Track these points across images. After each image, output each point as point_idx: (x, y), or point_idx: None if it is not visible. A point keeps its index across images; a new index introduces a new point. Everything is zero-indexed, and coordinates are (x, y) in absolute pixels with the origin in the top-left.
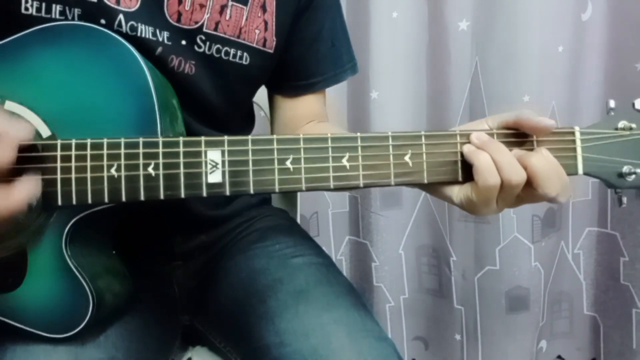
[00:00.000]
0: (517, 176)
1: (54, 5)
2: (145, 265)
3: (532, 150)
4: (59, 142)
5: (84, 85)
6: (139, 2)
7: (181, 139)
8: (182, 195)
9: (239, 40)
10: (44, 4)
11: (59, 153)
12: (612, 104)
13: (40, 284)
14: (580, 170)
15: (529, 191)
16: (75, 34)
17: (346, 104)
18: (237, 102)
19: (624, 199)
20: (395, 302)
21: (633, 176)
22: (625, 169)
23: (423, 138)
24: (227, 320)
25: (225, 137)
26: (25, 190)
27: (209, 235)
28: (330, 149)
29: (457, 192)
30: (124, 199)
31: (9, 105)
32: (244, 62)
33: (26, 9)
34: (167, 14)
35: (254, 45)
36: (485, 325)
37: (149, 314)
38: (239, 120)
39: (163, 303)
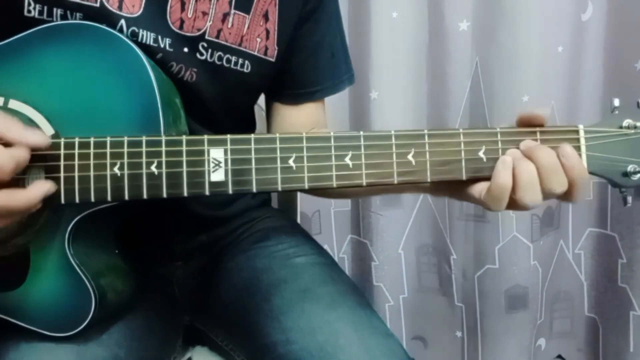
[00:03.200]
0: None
1: (55, 9)
2: (146, 266)
3: None
4: (62, 140)
5: (87, 83)
6: (141, 8)
7: (184, 137)
8: (185, 194)
9: (241, 48)
10: (45, 7)
11: (62, 152)
12: (616, 102)
13: (42, 282)
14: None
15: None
16: (78, 33)
17: (347, 104)
18: (237, 109)
19: (629, 198)
20: (394, 302)
21: (638, 175)
22: (630, 167)
23: (426, 137)
24: (230, 319)
25: (228, 136)
26: (41, 189)
27: (209, 235)
28: (333, 148)
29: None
30: (127, 197)
31: (13, 103)
32: (245, 70)
33: (29, 11)
34: (169, 21)
35: (255, 53)
36: (486, 323)
37: (151, 313)
38: (239, 126)
39: (164, 303)
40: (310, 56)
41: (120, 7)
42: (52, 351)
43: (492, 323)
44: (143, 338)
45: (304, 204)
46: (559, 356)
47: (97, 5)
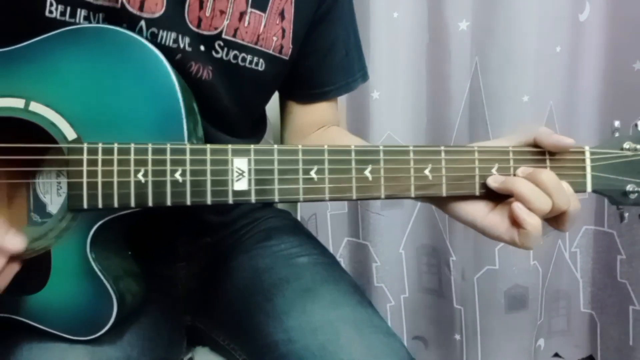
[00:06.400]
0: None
1: (79, 10)
2: (149, 266)
3: (545, 167)
4: (85, 146)
5: (110, 87)
6: (163, 9)
7: (208, 146)
8: (209, 202)
9: (257, 47)
10: (68, 8)
11: (85, 157)
12: (617, 124)
13: (63, 286)
14: (589, 188)
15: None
16: (101, 37)
17: (348, 103)
18: (250, 107)
19: (626, 215)
20: (395, 302)
21: (636, 194)
22: (629, 187)
23: (443, 153)
24: (232, 318)
25: (252, 146)
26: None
27: (213, 237)
28: (353, 161)
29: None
30: (150, 204)
31: (34, 106)
32: (259, 69)
33: (50, 12)
34: (187, 20)
35: (271, 51)
36: (485, 325)
37: (158, 314)
38: (250, 125)
39: (168, 303)
40: (325, 57)
41: (141, 8)
42: (65, 352)
43: (492, 325)
44: (152, 339)
45: (301, 207)
46: (556, 354)
47: (118, 6)
